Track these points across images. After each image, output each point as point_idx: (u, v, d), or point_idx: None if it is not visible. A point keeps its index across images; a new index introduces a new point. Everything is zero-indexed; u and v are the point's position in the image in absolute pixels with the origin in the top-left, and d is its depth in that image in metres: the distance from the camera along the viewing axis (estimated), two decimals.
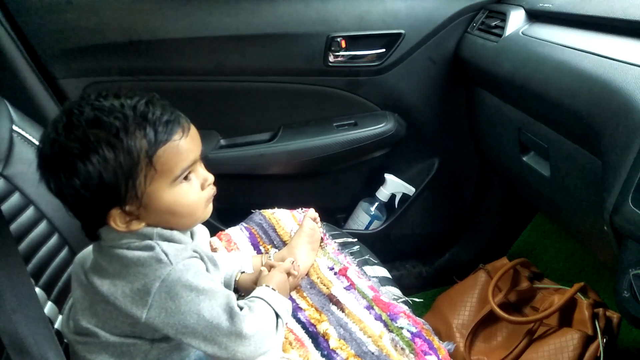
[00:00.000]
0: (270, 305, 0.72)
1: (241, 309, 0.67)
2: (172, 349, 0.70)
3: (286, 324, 0.83)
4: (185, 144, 0.64)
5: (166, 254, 0.64)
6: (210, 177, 0.70)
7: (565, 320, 1.14)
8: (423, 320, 0.87)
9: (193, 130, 0.67)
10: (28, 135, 0.88)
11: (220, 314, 0.65)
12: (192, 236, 0.73)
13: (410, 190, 1.45)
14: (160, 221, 0.66)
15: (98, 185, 0.60)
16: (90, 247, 0.72)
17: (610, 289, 1.01)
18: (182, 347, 0.71)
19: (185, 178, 0.66)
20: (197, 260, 0.68)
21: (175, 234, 0.68)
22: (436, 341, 0.83)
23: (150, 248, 0.64)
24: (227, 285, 0.83)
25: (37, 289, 0.79)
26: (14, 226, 0.81)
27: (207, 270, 0.70)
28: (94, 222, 0.66)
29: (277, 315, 0.72)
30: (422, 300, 1.09)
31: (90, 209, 0.64)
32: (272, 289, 0.75)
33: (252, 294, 0.75)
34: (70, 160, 0.60)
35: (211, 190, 0.70)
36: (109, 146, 0.60)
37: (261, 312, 0.70)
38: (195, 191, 0.67)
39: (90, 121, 0.60)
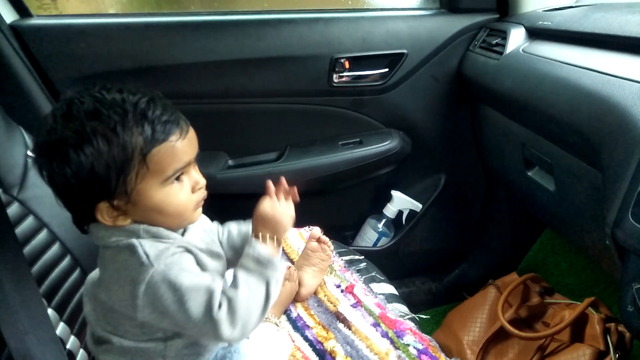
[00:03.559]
0: (256, 275, 0.69)
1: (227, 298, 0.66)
2: (189, 345, 0.71)
3: (294, 342, 0.83)
4: (181, 146, 0.64)
5: (147, 256, 0.64)
6: (202, 181, 0.69)
7: (576, 336, 1.13)
8: (430, 337, 0.87)
9: (191, 133, 0.67)
10: None
11: (204, 310, 0.64)
12: (184, 231, 0.72)
13: (417, 206, 1.46)
14: (147, 219, 0.66)
15: (89, 177, 0.60)
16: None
17: None
18: (198, 341, 0.72)
19: (177, 179, 0.66)
20: (183, 254, 0.67)
21: (162, 230, 0.67)
22: (443, 358, 0.83)
23: (133, 249, 0.64)
24: None
25: (50, 310, 0.81)
26: (27, 249, 0.83)
27: (199, 262, 0.69)
28: (82, 214, 0.66)
29: (267, 283, 0.69)
30: (429, 317, 1.09)
31: (79, 200, 0.64)
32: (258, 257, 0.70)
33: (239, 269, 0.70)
34: (64, 149, 0.60)
35: (201, 194, 0.70)
36: (104, 139, 0.60)
37: (244, 294, 0.66)
38: (185, 193, 0.67)
39: (89, 112, 0.60)
